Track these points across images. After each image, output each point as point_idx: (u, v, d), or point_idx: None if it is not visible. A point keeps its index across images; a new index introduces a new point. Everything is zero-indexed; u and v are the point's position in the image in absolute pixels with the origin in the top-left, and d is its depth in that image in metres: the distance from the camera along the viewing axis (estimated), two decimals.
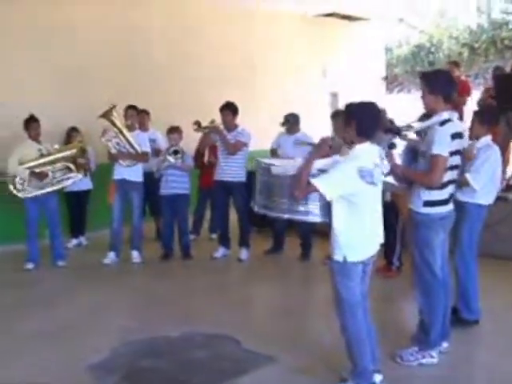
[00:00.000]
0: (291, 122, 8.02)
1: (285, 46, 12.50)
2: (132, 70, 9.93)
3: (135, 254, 7.79)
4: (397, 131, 4.83)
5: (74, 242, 8.82)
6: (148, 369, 4.81)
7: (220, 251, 7.88)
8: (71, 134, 8.55)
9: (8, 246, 8.42)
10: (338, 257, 4.07)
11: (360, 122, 4.02)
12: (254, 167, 4.84)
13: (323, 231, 6.64)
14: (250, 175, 8.24)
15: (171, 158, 7.54)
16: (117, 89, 9.10)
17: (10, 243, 8.41)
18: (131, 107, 7.66)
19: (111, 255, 7.74)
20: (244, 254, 7.78)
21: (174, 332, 5.43)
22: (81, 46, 9.33)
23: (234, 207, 7.76)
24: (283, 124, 8.05)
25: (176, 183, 7.71)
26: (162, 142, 8.50)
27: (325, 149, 4.10)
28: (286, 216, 4.32)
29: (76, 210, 8.78)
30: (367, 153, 4.00)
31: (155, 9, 10.43)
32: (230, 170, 7.56)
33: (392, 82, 19.48)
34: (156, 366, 4.85)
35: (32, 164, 7.33)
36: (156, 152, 8.09)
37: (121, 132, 7.46)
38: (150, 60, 10.24)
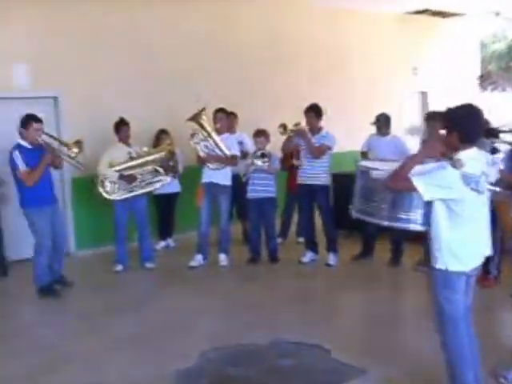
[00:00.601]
0: (381, 122, 7.77)
1: (375, 45, 12.17)
2: (221, 72, 9.92)
3: (222, 257, 7.74)
4: (497, 134, 4.52)
5: (162, 244, 8.88)
6: (236, 377, 4.71)
7: (307, 256, 7.71)
8: (160, 136, 8.58)
9: (98, 248, 8.61)
10: (439, 265, 3.83)
11: (463, 128, 3.73)
12: (355, 169, 4.60)
13: (414, 236, 6.44)
14: (336, 178, 8.13)
15: (258, 162, 7.44)
16: (206, 91, 9.07)
17: (100, 246, 8.60)
18: (220, 110, 7.61)
19: (198, 258, 7.72)
20: (332, 259, 7.58)
21: (262, 339, 5.31)
22: (170, 49, 9.40)
23: (318, 211, 7.58)
24: (374, 123, 7.82)
25: (263, 187, 7.62)
26: (250, 145, 8.42)
27: (434, 149, 3.83)
28: (386, 223, 4.10)
29: (164, 212, 8.82)
30: (474, 160, 3.72)
31: (251, 15, 10.39)
32: (314, 173, 7.39)
33: (485, 79, 18.70)
34: (244, 374, 4.74)
35: (122, 167, 7.39)
36: (244, 155, 8.01)
37: (209, 135, 7.41)
38: (240, 63, 10.21)
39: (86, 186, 8.17)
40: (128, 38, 9.01)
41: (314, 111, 7.38)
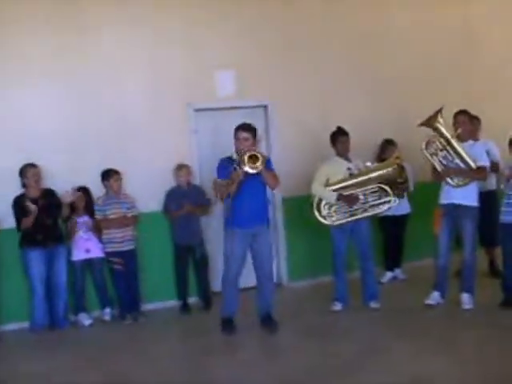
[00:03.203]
0: None
1: None
2: (465, 70, 8.38)
3: (466, 299, 6.13)
4: None
5: (389, 275, 7.50)
6: None
7: None
8: (386, 147, 7.37)
9: (313, 279, 7.52)
10: None
11: None
12: None
13: None
14: None
15: None
16: (441, 93, 7.62)
17: (316, 276, 7.51)
18: (462, 112, 6.07)
19: (435, 295, 6.22)
20: None
21: None
22: (397, 54, 8.07)
23: None
24: None
25: None
26: (498, 155, 6.77)
27: None
28: None
29: (391, 238, 7.48)
30: None
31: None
32: None
33: None
34: None
35: (340, 185, 6.15)
36: (492, 166, 6.35)
37: (449, 143, 5.88)
38: (488, 59, 8.56)
39: (299, 207, 7.07)
40: (350, 35, 7.87)
41: None
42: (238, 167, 5.49)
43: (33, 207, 6.12)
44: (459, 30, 8.40)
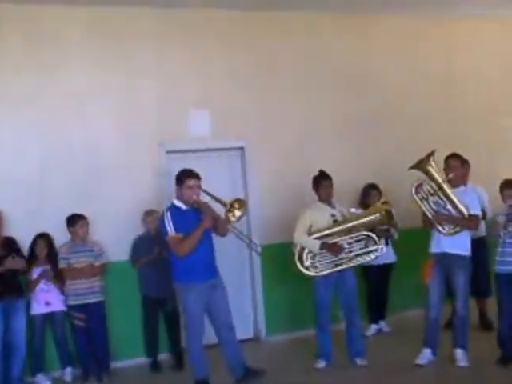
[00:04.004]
0: None
1: None
2: (453, 117, 8.15)
3: (460, 355, 5.68)
4: None
5: (374, 328, 7.08)
6: None
7: None
8: (368, 192, 7.02)
9: (292, 333, 7.08)
10: None
11: None
12: None
13: None
14: None
15: None
16: (423, 137, 7.48)
17: (296, 330, 7.04)
18: (454, 156, 5.74)
19: (426, 353, 5.75)
20: None
21: None
22: (380, 96, 7.78)
23: None
24: None
25: None
26: (486, 200, 6.46)
27: None
28: None
29: (376, 288, 7.06)
30: None
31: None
32: None
33: None
34: None
35: (324, 233, 5.74)
36: (484, 215, 6.03)
37: (440, 188, 5.51)
38: (480, 104, 8.31)
39: (278, 255, 6.71)
40: (338, 74, 7.60)
41: None
42: (226, 212, 5.12)
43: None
44: (443, 76, 8.15)
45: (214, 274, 5.31)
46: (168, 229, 5.14)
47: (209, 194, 5.27)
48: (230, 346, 5.38)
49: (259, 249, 6.12)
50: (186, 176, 5.25)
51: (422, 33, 8.01)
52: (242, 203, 5.23)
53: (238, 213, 5.15)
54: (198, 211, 5.19)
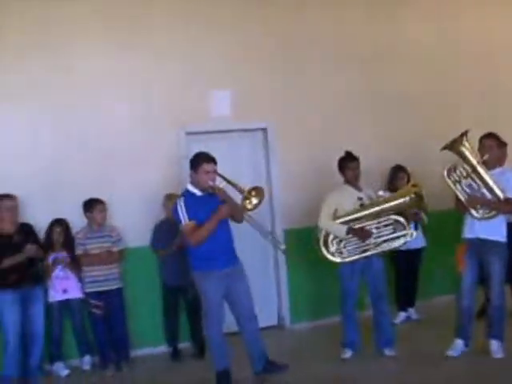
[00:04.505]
0: None
1: None
2: (479, 95, 7.74)
3: (495, 346, 5.38)
4: None
5: (402, 316, 6.80)
6: None
7: None
8: (396, 175, 6.72)
9: (317, 320, 6.85)
10: None
11: None
12: None
13: None
14: None
15: None
16: (454, 117, 7.16)
17: (321, 317, 6.82)
18: (490, 136, 5.39)
19: (458, 344, 5.47)
20: None
21: None
22: (407, 73, 7.43)
23: None
24: None
25: None
26: None
27: None
28: None
29: (405, 274, 6.77)
30: None
31: None
32: None
33: None
34: None
35: (351, 217, 5.46)
36: None
37: (474, 170, 5.19)
38: (496, 86, 7.89)
39: (302, 239, 6.42)
40: (358, 54, 7.23)
41: None
42: (243, 200, 4.91)
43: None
44: (475, 51, 7.75)
45: (233, 262, 5.08)
46: (181, 217, 4.91)
47: (225, 178, 5.02)
48: (251, 336, 5.16)
49: (283, 246, 5.89)
50: (202, 160, 4.99)
51: (452, 11, 7.65)
52: (259, 191, 4.98)
53: (254, 200, 4.93)
54: (213, 197, 4.95)
